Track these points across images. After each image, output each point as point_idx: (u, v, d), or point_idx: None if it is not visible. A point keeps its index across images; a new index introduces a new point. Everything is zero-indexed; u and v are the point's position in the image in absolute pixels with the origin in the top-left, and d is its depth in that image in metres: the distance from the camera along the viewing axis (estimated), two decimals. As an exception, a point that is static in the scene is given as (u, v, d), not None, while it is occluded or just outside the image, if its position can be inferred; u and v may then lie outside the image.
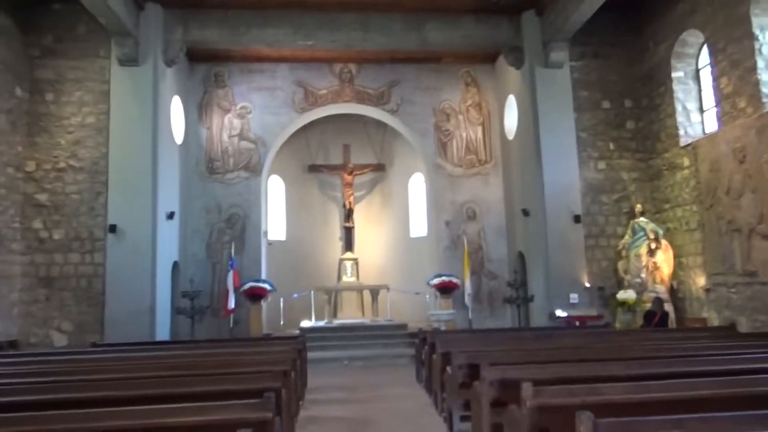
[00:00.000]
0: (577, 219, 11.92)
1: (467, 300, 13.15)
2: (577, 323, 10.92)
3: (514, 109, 13.46)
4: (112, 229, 11.02)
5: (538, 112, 12.17)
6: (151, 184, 11.28)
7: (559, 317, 11.30)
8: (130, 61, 11.44)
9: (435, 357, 7.28)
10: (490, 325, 13.21)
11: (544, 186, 11.93)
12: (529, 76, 12.45)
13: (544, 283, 11.83)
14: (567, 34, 11.80)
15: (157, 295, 11.09)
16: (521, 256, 13.23)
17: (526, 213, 12.69)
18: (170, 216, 12.01)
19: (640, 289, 11.33)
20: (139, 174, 11.22)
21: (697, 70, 11.59)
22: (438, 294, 13.24)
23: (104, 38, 11.50)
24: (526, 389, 4.04)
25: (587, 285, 11.78)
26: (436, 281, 13.15)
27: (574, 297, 11.54)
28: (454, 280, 13.11)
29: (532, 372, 4.93)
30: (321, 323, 13.50)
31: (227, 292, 12.48)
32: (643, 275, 11.40)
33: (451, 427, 6.12)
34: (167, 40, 12.02)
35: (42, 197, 11.23)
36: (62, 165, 11.35)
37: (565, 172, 12.04)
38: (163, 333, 11.30)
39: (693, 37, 11.27)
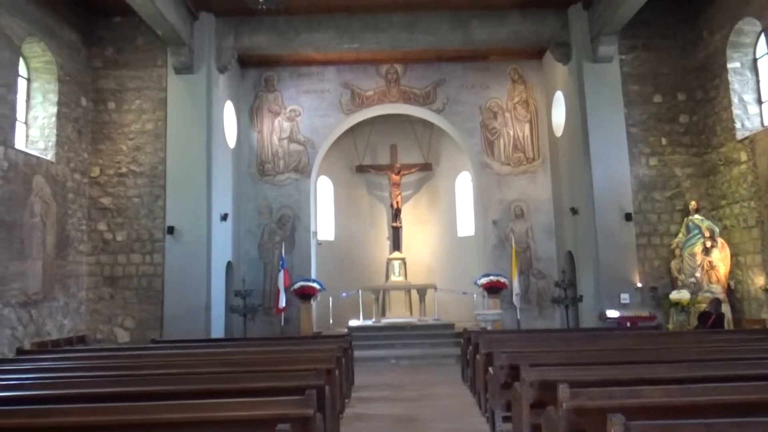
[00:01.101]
0: (628, 217, 11.65)
1: (515, 300, 13.08)
2: (629, 324, 10.68)
3: (561, 105, 13.25)
4: (170, 230, 11.57)
5: (586, 107, 11.96)
6: (205, 186, 11.78)
7: (609, 318, 11.08)
8: (185, 69, 11.97)
9: (478, 357, 7.33)
10: (538, 326, 13.08)
11: (593, 183, 11.73)
12: (577, 71, 12.24)
13: (593, 283, 11.63)
14: (615, 27, 11.53)
15: (212, 294, 11.57)
16: (570, 256, 13.03)
17: (574, 211, 12.49)
18: (224, 217, 12.49)
19: (695, 289, 10.96)
20: (195, 177, 11.74)
21: (755, 60, 11.09)
22: (485, 294, 13.20)
23: (161, 48, 12.07)
24: (563, 391, 4.07)
25: (639, 285, 11.50)
26: (483, 281, 13.11)
27: (625, 297, 11.29)
28: (502, 279, 13.04)
29: (572, 374, 4.93)
30: (369, 322, 13.71)
31: (278, 291, 12.90)
32: (697, 275, 11.02)
33: (493, 427, 6.17)
34: (219, 47, 12.49)
35: (106, 201, 11.91)
36: (124, 170, 12.00)
37: (615, 169, 11.78)
38: (217, 330, 11.79)
39: (749, 25, 10.79)
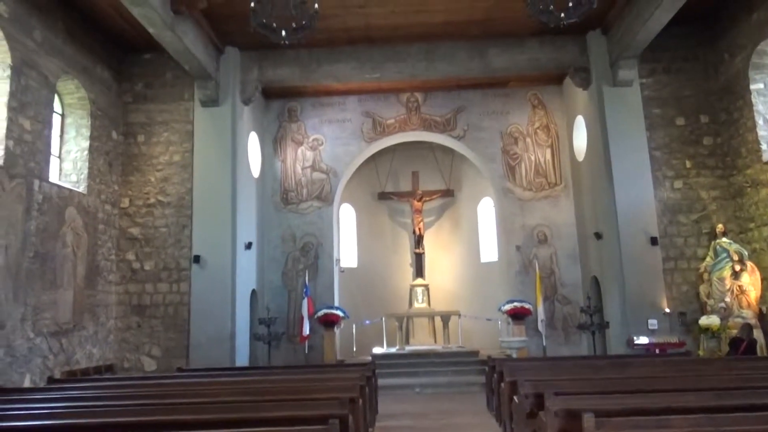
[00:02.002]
0: (653, 241, 11.50)
1: (540, 326, 12.93)
2: (657, 351, 10.46)
3: (583, 129, 13.25)
4: (196, 259, 11.78)
5: (607, 131, 11.94)
6: (230, 216, 12.00)
7: (637, 344, 10.87)
8: (211, 102, 12.33)
9: (503, 385, 7.26)
10: (564, 353, 12.88)
11: (616, 208, 11.64)
12: (597, 95, 12.27)
13: (620, 309, 11.45)
14: (635, 51, 11.56)
15: (236, 322, 11.69)
16: (596, 281, 12.86)
17: (599, 236, 12.37)
18: (248, 246, 12.67)
19: (725, 314, 10.70)
20: (220, 207, 11.98)
21: (779, 82, 11.00)
22: (510, 320, 13.06)
23: (188, 82, 12.47)
24: (588, 420, 4.04)
25: (667, 310, 11.28)
26: (507, 307, 12.99)
27: (653, 323, 11.08)
28: (527, 305, 12.91)
29: (598, 402, 4.88)
30: (392, 350, 13.65)
31: (302, 318, 12.96)
32: (727, 299, 10.77)
33: (519, 457, 6.08)
34: (244, 80, 12.86)
35: (135, 231, 12.21)
36: (152, 201, 12.31)
37: (639, 193, 11.69)
38: (242, 358, 11.87)
39: (772, 47, 10.74)
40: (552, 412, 4.86)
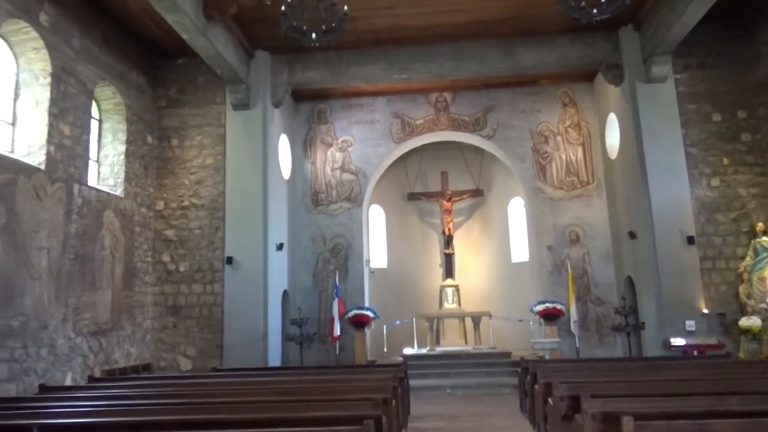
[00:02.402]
0: (690, 240, 11.22)
1: (573, 327, 12.75)
2: (695, 353, 10.19)
3: (615, 127, 13.00)
4: (229, 260, 11.95)
5: (641, 129, 11.70)
6: (262, 217, 12.14)
7: (674, 346, 10.61)
8: (242, 105, 12.49)
9: (537, 387, 7.17)
10: (598, 354, 12.66)
11: (651, 206, 11.39)
12: (630, 92, 12.03)
13: (656, 310, 11.20)
14: (669, 46, 11.30)
15: (269, 323, 11.81)
16: (630, 281, 12.60)
17: (633, 235, 12.12)
18: (279, 247, 12.80)
19: (767, 315, 10.35)
20: (252, 209, 12.13)
21: (822, 75, 10.61)
22: (542, 321, 12.90)
23: (220, 87, 12.66)
24: (627, 423, 3.96)
25: (705, 311, 10.99)
26: (539, 308, 12.82)
27: (690, 324, 10.80)
28: (559, 306, 12.73)
29: (636, 405, 4.77)
30: (423, 350, 13.61)
31: (333, 319, 13.03)
32: (768, 300, 10.44)
33: (554, 460, 6.00)
34: (274, 83, 12.99)
35: (170, 233, 12.45)
36: (186, 203, 12.53)
37: (675, 191, 11.41)
38: (274, 358, 11.99)
39: (815, 39, 10.36)
40: (589, 415, 4.77)
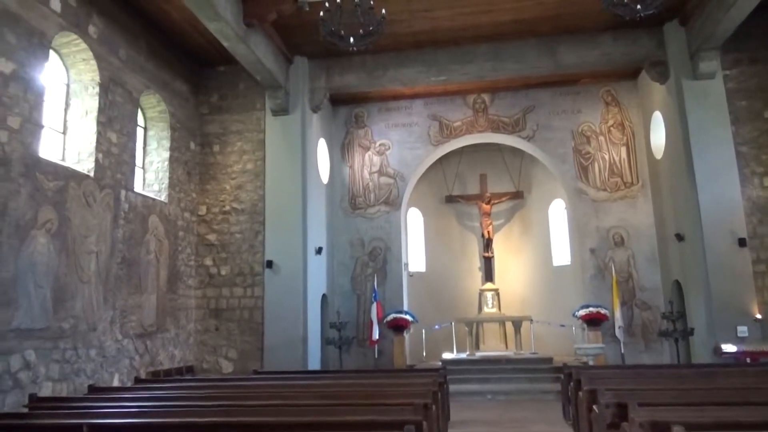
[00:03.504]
0: (741, 242, 10.80)
1: (618, 333, 12.45)
2: (748, 360, 9.79)
3: (661, 126, 12.64)
4: (269, 264, 12.12)
5: (688, 127, 11.34)
6: (301, 221, 12.27)
7: (726, 353, 10.22)
8: (281, 111, 12.68)
9: (581, 394, 7.00)
10: (645, 361, 12.33)
11: (699, 207, 11.02)
12: (676, 89, 11.68)
13: (705, 315, 10.81)
14: (717, 41, 10.92)
15: (308, 326, 11.93)
16: (678, 285, 12.21)
17: (680, 238, 11.74)
18: (318, 251, 12.92)
19: (827, 321, 9.88)
20: (291, 213, 12.28)
21: None
22: (585, 326, 12.66)
23: (260, 93, 12.89)
24: (678, 434, 3.82)
25: (758, 316, 10.54)
26: (582, 312, 12.60)
27: (742, 330, 10.39)
28: (603, 311, 12.47)
29: (686, 414, 4.62)
30: (463, 355, 13.50)
31: (371, 323, 13.06)
32: (829, 306, 9.94)
33: (600, 469, 5.84)
34: (312, 88, 13.14)
35: (212, 237, 12.72)
36: (227, 208, 12.79)
37: (725, 192, 11.01)
38: (314, 361, 12.10)
39: None
40: (637, 424, 4.63)
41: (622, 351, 12.40)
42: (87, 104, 9.51)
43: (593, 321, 12.46)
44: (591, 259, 13.44)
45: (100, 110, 9.57)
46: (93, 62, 9.52)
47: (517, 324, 13.78)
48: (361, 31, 7.81)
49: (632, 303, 13.09)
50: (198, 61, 13.03)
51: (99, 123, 9.52)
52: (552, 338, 14.26)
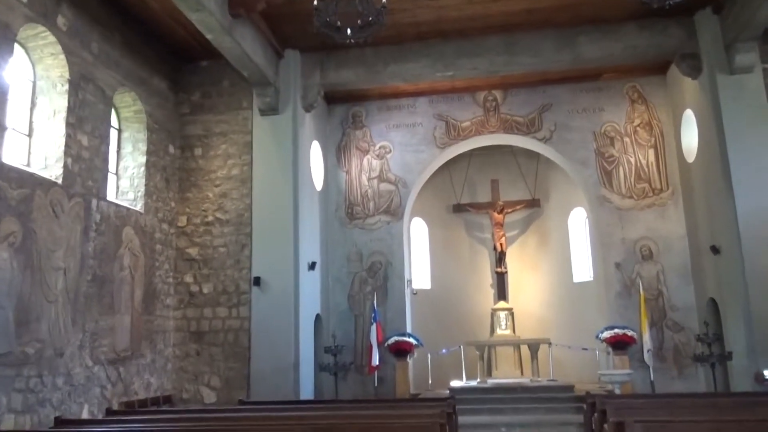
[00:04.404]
0: (785, 255, 10.82)
1: (647, 357, 12.44)
2: (795, 388, 9.78)
3: (693, 125, 12.71)
4: (257, 281, 12.13)
5: (724, 126, 11.41)
6: (292, 233, 12.28)
7: (768, 380, 10.22)
8: (270, 110, 12.73)
9: (606, 427, 6.99)
10: (678, 389, 12.32)
11: (737, 216, 11.05)
12: (710, 85, 11.75)
13: (745, 337, 10.81)
14: (755, 31, 11.01)
15: (300, 350, 11.90)
16: (713, 303, 12.22)
17: (716, 250, 11.76)
18: (312, 266, 12.93)
19: None
20: (281, 224, 12.29)
21: None
22: (610, 350, 12.68)
23: (246, 90, 12.94)
24: (716, 472, 3.81)
25: (805, 339, 10.54)
26: (607, 335, 12.62)
27: (787, 354, 10.38)
28: (630, 333, 12.49)
29: (726, 451, 4.61)
30: (473, 383, 13.48)
31: (371, 347, 13.05)
32: None
33: None
34: (305, 85, 13.19)
35: (193, 251, 12.73)
36: (210, 218, 12.81)
37: (765, 198, 11.03)
38: (307, 390, 12.07)
39: None
40: (670, 461, 4.63)
41: (652, 378, 12.37)
42: (55, 103, 9.55)
43: (619, 344, 12.47)
44: (616, 274, 13.45)
45: (70, 110, 9.62)
46: (62, 57, 9.57)
47: (533, 347, 13.77)
48: (359, 21, 7.85)
49: (663, 324, 13.09)
50: (178, 56, 13.10)
51: (68, 124, 9.56)
52: (573, 363, 14.25)
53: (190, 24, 10.36)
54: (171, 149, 12.85)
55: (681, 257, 13.32)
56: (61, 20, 9.54)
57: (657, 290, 13.27)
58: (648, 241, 13.52)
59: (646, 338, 12.53)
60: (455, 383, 13.60)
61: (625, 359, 12.47)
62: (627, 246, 13.55)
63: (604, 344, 12.76)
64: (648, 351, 12.46)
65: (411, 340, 13.28)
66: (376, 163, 14.91)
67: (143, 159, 11.86)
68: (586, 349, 13.61)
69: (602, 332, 12.76)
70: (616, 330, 12.54)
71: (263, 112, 12.79)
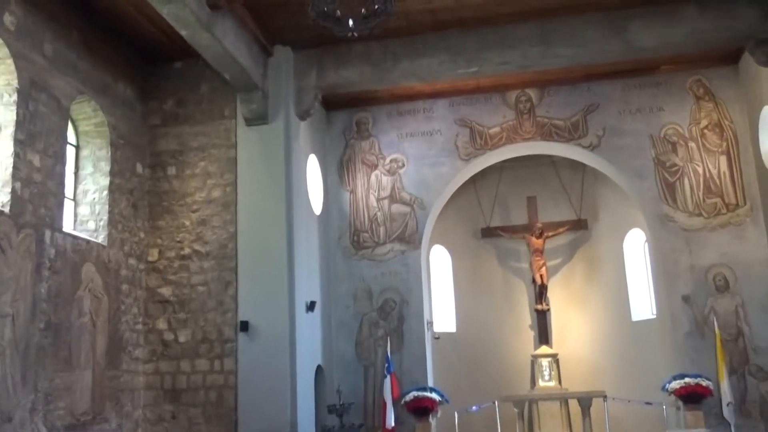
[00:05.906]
0: None
1: (726, 412, 12.38)
2: None
3: (773, 126, 12.78)
4: (244, 327, 12.15)
5: (811, 128, 11.46)
6: (287, 268, 12.32)
7: None
8: (258, 119, 12.87)
9: (678, 498, 6.95)
10: (766, 450, 12.19)
11: (832, 237, 11.04)
12: (793, 77, 11.84)
13: None
14: None
15: (298, 411, 11.87)
16: (807, 344, 12.17)
17: (807, 279, 11.75)
18: (310, 307, 12.96)
19: None
20: (273, 256, 12.34)
21: None
22: (681, 404, 12.60)
23: (229, 96, 13.10)
24: None
25: None
26: (675, 385, 12.55)
27: None
28: (704, 382, 12.40)
29: None
30: (512, 447, 13.42)
31: (384, 404, 13.03)
32: None
33: None
34: (299, 88, 13.33)
35: (166, 291, 12.81)
36: (187, 251, 12.90)
37: None
38: (308, 459, 12.05)
39: None
40: None
41: (734, 437, 12.30)
42: (1, 117, 9.72)
43: (691, 397, 12.40)
44: (684, 310, 13.41)
45: (19, 124, 9.76)
46: (9, 61, 9.74)
47: (584, 402, 13.72)
48: (363, 10, 7.98)
49: (745, 370, 13.01)
50: (147, 57, 13.32)
51: (17, 141, 9.71)
52: (634, 421, 14.15)
53: (161, 18, 10.54)
54: (139, 169, 13.00)
55: (765, 287, 13.26)
56: (8, 18, 9.73)
57: (736, 328, 13.20)
58: (723, 268, 13.50)
59: (724, 389, 12.48)
60: (490, 448, 13.55)
61: (700, 415, 12.37)
62: (697, 275, 13.52)
63: (673, 397, 12.68)
64: (728, 405, 12.40)
65: (433, 395, 13.21)
66: (386, 179, 15.00)
67: (106, 181, 11.99)
68: (649, 403, 13.47)
69: (669, 382, 12.69)
70: (686, 379, 12.47)
71: (249, 122, 12.93)
